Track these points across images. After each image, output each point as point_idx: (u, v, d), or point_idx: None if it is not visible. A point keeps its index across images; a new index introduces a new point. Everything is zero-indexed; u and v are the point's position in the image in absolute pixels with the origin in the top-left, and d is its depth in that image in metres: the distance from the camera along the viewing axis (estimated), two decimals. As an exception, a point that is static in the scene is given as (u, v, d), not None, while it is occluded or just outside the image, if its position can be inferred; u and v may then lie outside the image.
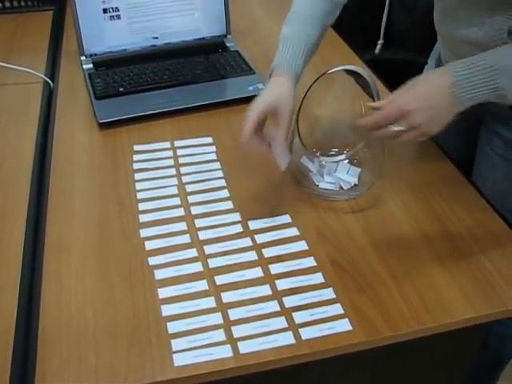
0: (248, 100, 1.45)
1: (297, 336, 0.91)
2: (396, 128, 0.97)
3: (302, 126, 1.14)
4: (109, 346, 0.90)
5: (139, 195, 1.18)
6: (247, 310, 0.95)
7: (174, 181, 1.22)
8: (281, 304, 0.96)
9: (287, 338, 0.91)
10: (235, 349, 0.90)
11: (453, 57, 1.22)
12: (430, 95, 0.97)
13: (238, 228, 1.10)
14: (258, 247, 1.07)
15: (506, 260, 1.05)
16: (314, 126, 1.16)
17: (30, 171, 1.23)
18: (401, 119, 0.97)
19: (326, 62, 1.12)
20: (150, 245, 1.07)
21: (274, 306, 0.96)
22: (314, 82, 1.15)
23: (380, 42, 1.14)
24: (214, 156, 1.29)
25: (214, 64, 1.59)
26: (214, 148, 1.31)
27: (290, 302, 0.97)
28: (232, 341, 0.91)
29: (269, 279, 1.01)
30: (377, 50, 1.15)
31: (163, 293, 0.98)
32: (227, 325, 0.93)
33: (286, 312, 0.95)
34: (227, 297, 0.98)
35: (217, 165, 1.26)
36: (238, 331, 0.92)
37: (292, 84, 1.10)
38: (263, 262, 1.04)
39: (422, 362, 1.09)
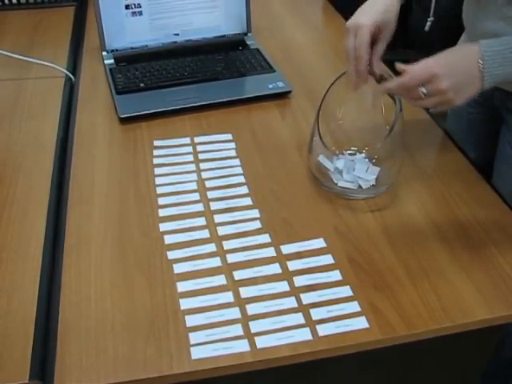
0: (268, 98, 1.47)
1: (314, 332, 0.92)
2: (420, 89, 0.97)
3: (322, 125, 1.14)
4: (127, 338, 0.91)
5: (159, 190, 1.19)
6: (265, 306, 0.96)
7: (194, 176, 1.23)
8: (298, 300, 0.97)
9: (304, 334, 0.92)
10: (252, 343, 0.90)
11: None
12: (459, 63, 0.97)
13: (257, 224, 1.11)
14: (276, 243, 1.07)
15: (524, 262, 1.05)
16: (334, 124, 1.16)
17: (51, 165, 1.24)
18: (427, 82, 0.96)
19: (345, 60, 1.11)
20: (169, 239, 1.08)
21: (291, 302, 0.97)
22: (335, 81, 1.15)
23: (430, 19, 1.14)
24: (233, 153, 1.29)
25: (234, 61, 1.60)
26: (233, 145, 1.32)
27: (307, 298, 0.97)
28: (249, 335, 0.91)
29: (287, 275, 1.01)
30: (426, 27, 1.16)
31: (182, 286, 0.99)
32: (245, 320, 0.94)
33: (303, 308, 0.96)
34: (245, 292, 0.98)
35: (236, 161, 1.27)
36: (255, 326, 0.93)
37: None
38: (281, 259, 1.04)
39: (437, 361, 1.09)
